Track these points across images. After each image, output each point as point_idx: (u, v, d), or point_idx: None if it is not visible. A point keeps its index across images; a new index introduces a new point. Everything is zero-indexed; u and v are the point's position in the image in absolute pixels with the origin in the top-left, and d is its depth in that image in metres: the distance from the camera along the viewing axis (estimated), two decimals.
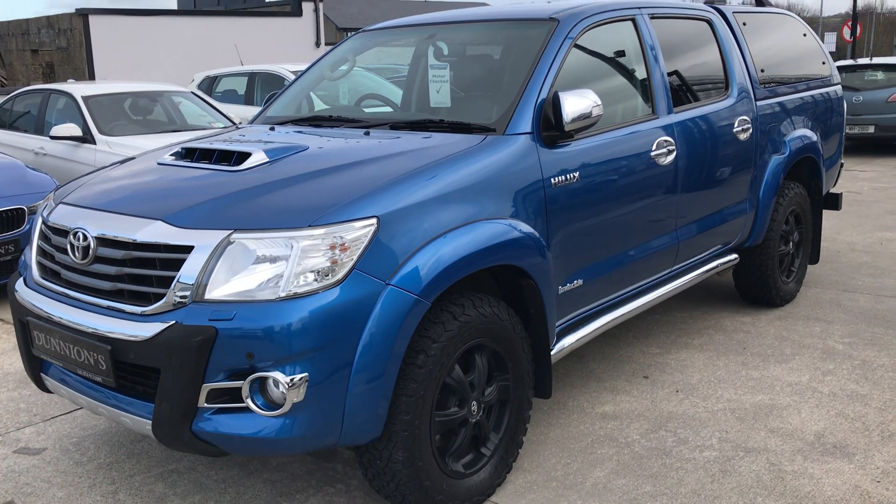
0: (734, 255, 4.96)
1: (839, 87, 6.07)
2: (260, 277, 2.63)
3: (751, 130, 4.82)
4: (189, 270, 2.67)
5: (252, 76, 11.16)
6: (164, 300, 2.70)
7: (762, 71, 5.10)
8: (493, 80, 3.90)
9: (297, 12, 22.54)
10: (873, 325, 5.08)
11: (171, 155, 3.40)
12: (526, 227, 3.21)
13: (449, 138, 3.33)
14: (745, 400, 4.06)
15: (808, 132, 5.45)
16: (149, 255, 2.77)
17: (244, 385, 2.61)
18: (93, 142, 7.90)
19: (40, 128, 8.72)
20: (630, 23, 4.15)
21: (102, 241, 2.89)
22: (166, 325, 2.65)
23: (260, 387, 2.64)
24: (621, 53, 4.11)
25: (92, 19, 18.37)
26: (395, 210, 2.79)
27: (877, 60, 14.56)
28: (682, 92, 4.45)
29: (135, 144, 7.60)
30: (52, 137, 7.98)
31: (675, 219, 4.23)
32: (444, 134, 3.41)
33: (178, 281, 2.67)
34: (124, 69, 15.50)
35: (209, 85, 11.83)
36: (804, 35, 5.86)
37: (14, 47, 19.64)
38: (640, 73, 4.15)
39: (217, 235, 2.68)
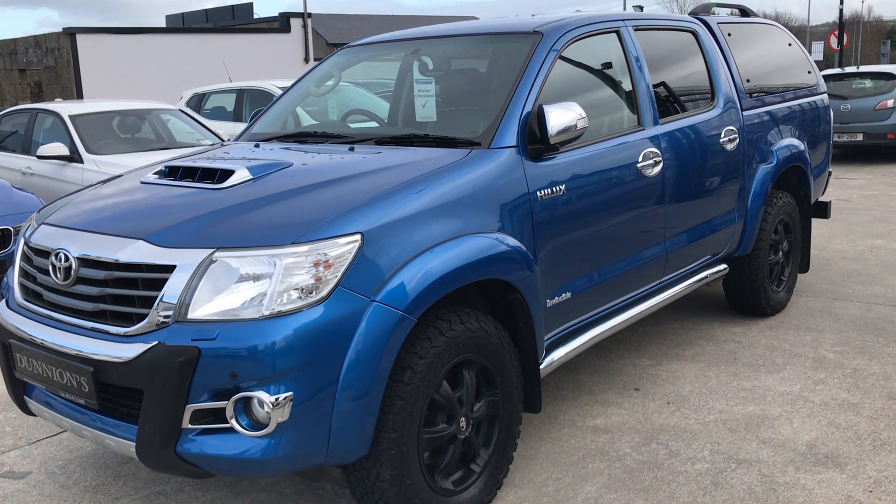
0: (723, 266, 4.95)
1: (825, 95, 6.09)
2: (243, 296, 2.61)
3: (738, 140, 4.82)
4: (171, 290, 2.64)
5: (240, 92, 11.15)
6: (146, 320, 2.67)
7: (748, 81, 5.11)
8: (477, 94, 3.90)
9: (286, 28, 22.57)
10: (864, 333, 5.07)
11: (155, 173, 3.38)
12: (512, 241, 3.20)
13: (433, 153, 3.32)
14: (736, 411, 4.03)
15: (795, 141, 5.46)
16: (131, 275, 2.74)
17: (228, 405, 2.58)
18: (80, 161, 7.87)
19: (27, 147, 8.69)
20: (614, 35, 4.16)
21: (84, 262, 2.86)
22: (149, 345, 2.62)
23: (244, 407, 2.60)
24: (606, 65, 4.11)
25: (80, 38, 18.35)
26: (380, 226, 2.77)
27: (864, 69, 14.66)
28: (668, 103, 4.45)
29: (123, 163, 7.57)
30: (39, 157, 7.96)
31: (662, 230, 4.22)
32: (429, 148, 3.40)
33: (160, 301, 2.64)
34: (112, 88, 15.48)
35: (198, 102, 11.81)
36: (789, 45, 5.88)
37: (2, 67, 19.60)
38: (626, 85, 4.15)
39: (199, 254, 2.66)
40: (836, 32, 25.27)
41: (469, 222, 3.06)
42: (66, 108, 8.59)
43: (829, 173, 6.33)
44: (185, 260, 2.66)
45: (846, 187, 10.88)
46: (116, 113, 8.87)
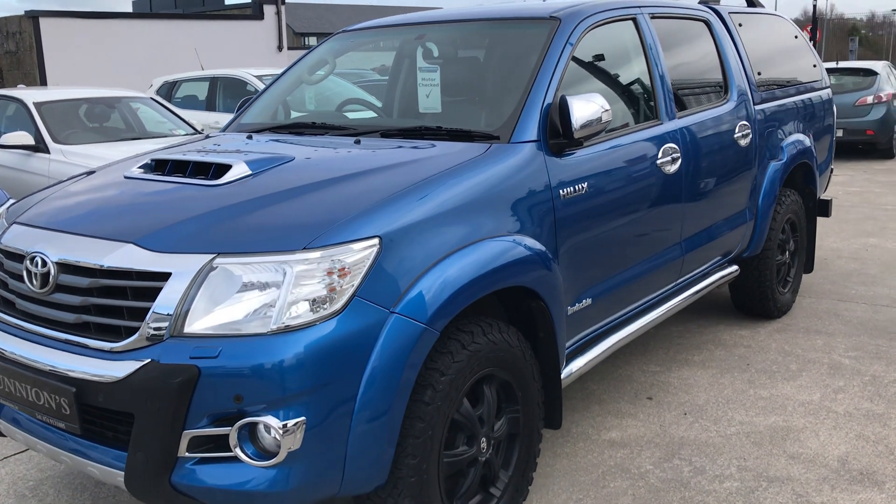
0: (735, 267, 4.73)
1: (829, 90, 5.91)
2: (248, 308, 2.31)
3: (750, 136, 4.60)
4: (166, 300, 2.33)
5: (213, 81, 10.73)
6: (137, 335, 2.36)
7: (759, 74, 4.90)
8: (489, 83, 3.62)
9: (259, 15, 22.00)
10: (875, 336, 4.90)
11: (140, 167, 3.06)
12: (535, 244, 2.93)
13: (451, 147, 3.04)
14: (758, 422, 3.82)
15: (802, 137, 5.27)
16: (119, 283, 2.43)
17: (232, 432, 2.28)
18: (46, 151, 7.44)
19: None
20: (631, 22, 3.90)
21: (64, 268, 2.53)
22: (140, 363, 2.31)
23: (250, 433, 2.31)
24: (624, 55, 3.86)
25: (42, 22, 17.66)
26: (399, 228, 2.49)
27: (844, 65, 14.60)
28: (683, 96, 4.22)
29: (91, 153, 7.17)
30: (2, 146, 7.52)
31: (679, 230, 3.98)
32: (446, 142, 3.12)
33: (153, 312, 2.33)
34: (78, 74, 14.89)
35: (168, 90, 11.37)
36: (795, 37, 5.68)
37: None
38: (643, 77, 3.90)
39: (198, 260, 2.35)
40: (809, 28, 25.36)
41: (490, 224, 2.79)
42: (30, 95, 8.13)
43: (832, 170, 6.16)
44: (181, 266, 2.36)
45: (830, 184, 10.76)
46: (84, 101, 8.44)
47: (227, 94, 10.66)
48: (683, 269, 4.12)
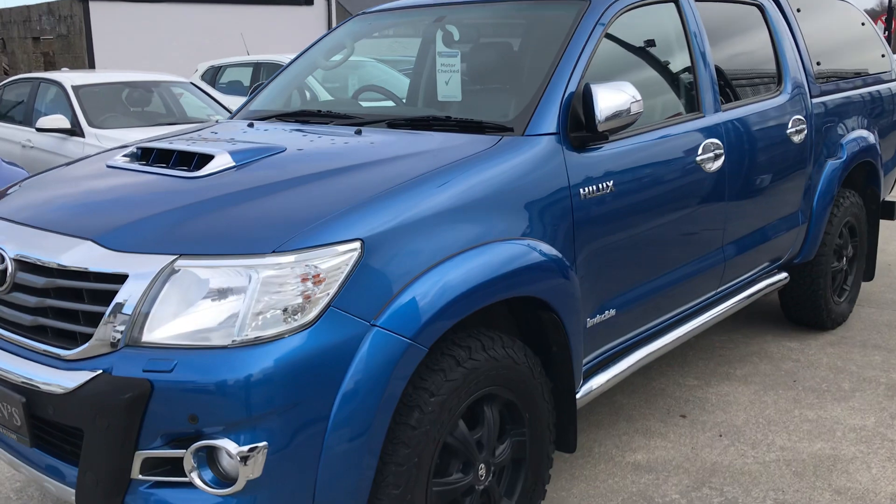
0: (784, 275, 4.34)
1: None
2: (210, 317, 2.07)
3: (805, 131, 4.20)
4: (121, 305, 2.10)
5: (257, 66, 10.60)
6: (90, 343, 2.13)
7: (818, 64, 4.48)
8: (510, 69, 3.32)
9: (309, 0, 21.87)
10: None
11: (125, 156, 2.84)
12: (548, 249, 2.63)
13: (455, 139, 2.75)
14: (801, 449, 3.45)
15: (866, 133, 4.82)
16: (75, 283, 2.20)
17: (187, 455, 2.04)
18: (81, 135, 7.37)
19: (29, 119, 8.19)
20: (672, 5, 3.54)
21: (22, 265, 2.33)
22: (91, 375, 2.09)
23: (208, 457, 2.07)
24: (663, 40, 3.51)
25: (92, 6, 17.73)
26: (385, 230, 2.22)
27: None
28: (730, 87, 3.85)
29: (127, 138, 7.04)
30: (38, 130, 7.47)
31: (721, 234, 3.62)
32: (451, 134, 2.83)
33: (106, 318, 2.11)
34: (126, 58, 14.94)
35: (213, 75, 11.28)
36: (862, 24, 5.22)
37: (16, 35, 19.12)
38: (684, 65, 3.55)
39: (157, 261, 2.12)
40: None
41: (495, 226, 2.49)
42: (69, 78, 8.08)
43: None
44: (139, 268, 2.12)
45: None
46: (124, 84, 8.36)
47: None
48: (725, 276, 3.76)
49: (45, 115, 7.71)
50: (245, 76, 10.86)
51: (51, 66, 18.24)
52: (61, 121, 7.40)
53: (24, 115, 8.33)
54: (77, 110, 7.54)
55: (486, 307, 2.46)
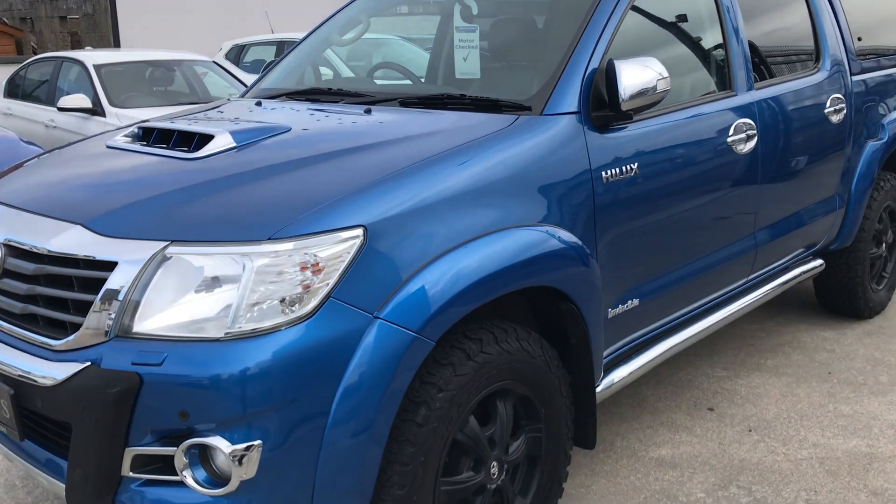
0: (819, 262, 4.15)
1: None
2: (203, 307, 1.95)
3: (844, 111, 3.99)
4: (111, 293, 1.99)
5: (281, 45, 10.47)
6: (79, 332, 2.03)
7: (859, 39, 4.25)
8: (529, 44, 3.15)
9: None
10: None
11: (125, 136, 2.73)
12: (567, 236, 2.48)
13: (470, 119, 2.60)
14: (835, 446, 3.28)
15: None
16: (65, 270, 2.10)
17: (178, 453, 1.93)
18: (102, 114, 7.32)
19: (51, 99, 8.16)
20: None
21: (13, 250, 2.23)
22: (79, 367, 1.98)
23: (201, 455, 1.96)
24: (692, 14, 3.32)
25: None
26: (390, 217, 2.08)
27: None
28: (764, 64, 3.65)
29: (146, 117, 6.99)
30: (60, 109, 7.43)
31: (753, 219, 3.44)
32: (465, 113, 2.68)
33: (95, 306, 2.00)
34: (152, 37, 14.85)
35: (237, 54, 11.18)
36: None
37: (43, 14, 19.18)
38: (715, 39, 3.35)
39: (148, 248, 2.00)
40: None
41: (508, 213, 2.35)
42: (91, 57, 8.03)
43: None
44: (129, 254, 2.01)
45: None
46: (146, 63, 8.30)
47: None
48: (756, 263, 3.58)
49: (68, 94, 7.67)
50: (269, 55, 10.73)
51: (77, 45, 18.25)
52: (82, 100, 7.35)
53: (47, 94, 8.30)
54: (98, 89, 7.49)
55: (499, 299, 2.32)
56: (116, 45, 16.81)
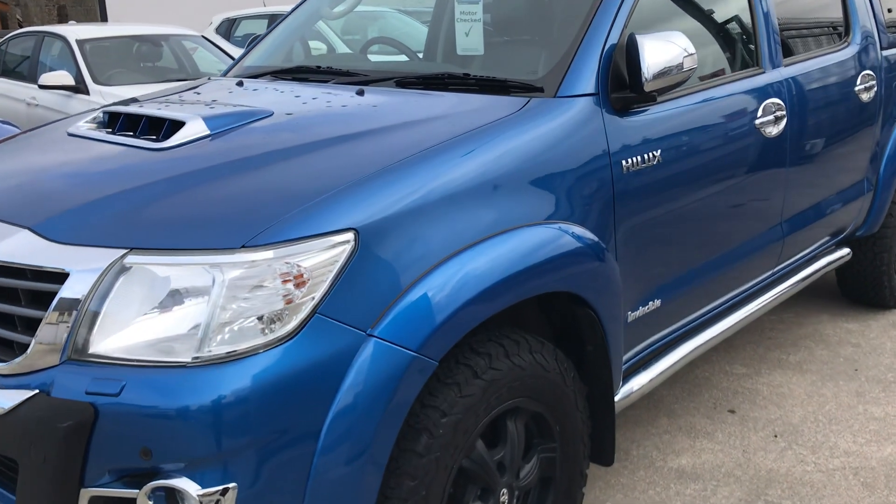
0: (846, 250, 3.88)
1: None
2: (167, 327, 1.68)
3: (875, 89, 3.70)
4: (62, 309, 1.72)
5: (273, 18, 10.10)
6: (27, 353, 1.76)
7: (889, 10, 3.96)
8: (540, 16, 2.86)
9: None
10: None
11: (89, 122, 2.44)
12: (584, 233, 2.20)
13: (474, 102, 2.32)
14: (869, 454, 3.03)
15: None
16: (9, 282, 1.82)
17: (140, 496, 1.67)
18: (86, 92, 6.99)
19: (33, 76, 7.82)
20: None
21: None
22: (28, 394, 1.71)
23: (167, 499, 1.69)
24: None
25: None
26: (384, 218, 1.80)
27: None
28: (792, 39, 3.35)
29: (132, 95, 6.68)
30: (42, 87, 7.10)
31: (780, 207, 3.17)
32: (468, 95, 2.39)
33: (44, 324, 1.73)
34: (140, 11, 14.46)
35: (228, 28, 10.82)
36: None
37: None
38: (743, 14, 3.06)
39: (104, 256, 1.72)
40: None
41: (520, 208, 2.07)
42: (74, 32, 7.69)
43: None
44: (83, 264, 1.73)
45: None
46: (132, 38, 7.95)
47: None
48: (783, 254, 3.31)
49: (50, 70, 7.34)
50: (261, 29, 10.38)
51: (64, 19, 17.81)
52: (65, 77, 7.03)
53: (29, 71, 7.97)
54: (81, 66, 7.17)
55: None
56: (104, 19, 16.40)
